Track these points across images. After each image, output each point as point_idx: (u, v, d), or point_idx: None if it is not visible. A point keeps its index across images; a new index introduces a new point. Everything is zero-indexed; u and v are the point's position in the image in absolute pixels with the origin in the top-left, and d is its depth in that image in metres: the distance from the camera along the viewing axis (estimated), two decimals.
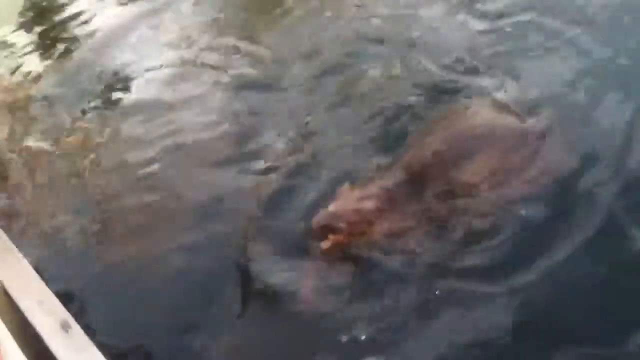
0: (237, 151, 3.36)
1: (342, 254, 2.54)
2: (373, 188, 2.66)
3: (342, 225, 2.52)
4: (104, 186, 3.37)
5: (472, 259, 2.40)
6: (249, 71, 4.06)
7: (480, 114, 2.92)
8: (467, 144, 2.68)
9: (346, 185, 2.71)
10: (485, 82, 3.25)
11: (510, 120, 2.84)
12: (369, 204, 2.58)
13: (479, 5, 3.93)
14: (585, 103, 2.94)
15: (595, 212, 2.45)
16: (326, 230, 2.52)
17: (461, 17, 3.91)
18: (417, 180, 2.63)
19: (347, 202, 2.62)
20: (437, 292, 2.33)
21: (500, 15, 3.77)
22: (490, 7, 3.88)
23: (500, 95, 3.07)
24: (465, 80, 3.32)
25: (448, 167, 2.63)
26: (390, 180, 2.67)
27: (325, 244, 2.51)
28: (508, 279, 2.30)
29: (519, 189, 2.59)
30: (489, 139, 2.70)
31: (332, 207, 2.60)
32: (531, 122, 2.82)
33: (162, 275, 2.61)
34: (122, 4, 5.46)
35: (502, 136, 2.74)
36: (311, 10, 4.50)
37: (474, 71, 3.38)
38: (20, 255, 2.07)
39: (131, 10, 5.32)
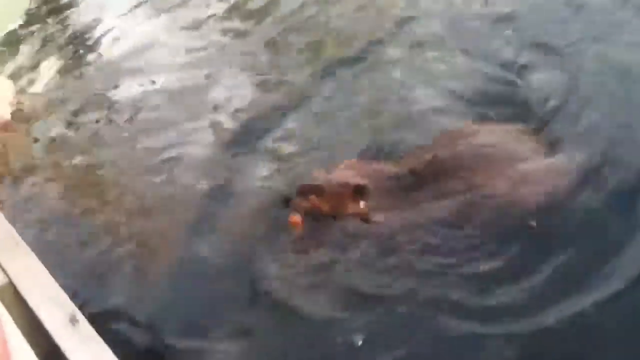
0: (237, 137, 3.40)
1: (316, 222, 2.56)
2: (374, 172, 2.65)
3: (328, 192, 2.54)
4: (106, 182, 3.39)
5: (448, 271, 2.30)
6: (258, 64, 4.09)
7: (497, 135, 2.74)
8: (475, 161, 2.57)
9: (352, 161, 2.72)
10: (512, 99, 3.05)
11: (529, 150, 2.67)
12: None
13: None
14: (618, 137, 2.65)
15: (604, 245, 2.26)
16: (312, 191, 2.55)
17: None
18: (419, 182, 2.57)
19: (344, 174, 2.62)
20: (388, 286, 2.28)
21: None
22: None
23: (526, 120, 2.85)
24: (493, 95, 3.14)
25: (452, 177, 2.54)
26: (394, 171, 2.64)
27: (304, 203, 2.54)
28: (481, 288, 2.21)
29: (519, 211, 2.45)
30: (499, 160, 2.57)
31: (329, 174, 2.63)
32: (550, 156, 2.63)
33: (168, 268, 2.60)
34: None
35: (510, 159, 2.58)
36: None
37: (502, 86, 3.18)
38: (28, 249, 2.07)
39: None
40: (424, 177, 2.56)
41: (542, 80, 3.11)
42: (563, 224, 2.35)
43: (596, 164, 2.52)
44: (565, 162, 2.56)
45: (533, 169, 2.53)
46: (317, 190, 2.57)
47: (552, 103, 2.92)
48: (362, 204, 2.57)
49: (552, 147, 2.64)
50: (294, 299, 2.33)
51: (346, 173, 2.64)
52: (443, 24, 3.82)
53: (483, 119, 2.92)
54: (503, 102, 3.03)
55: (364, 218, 2.57)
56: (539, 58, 3.27)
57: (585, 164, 2.52)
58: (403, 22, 3.96)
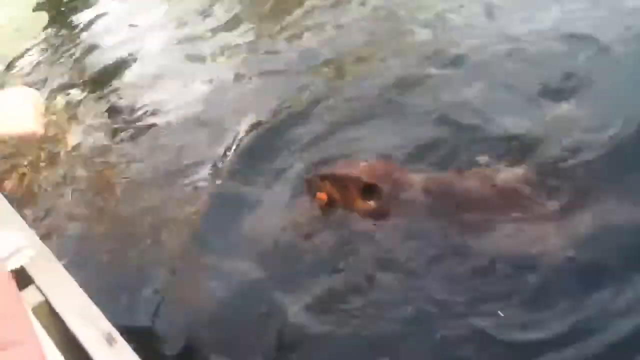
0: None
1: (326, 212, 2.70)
2: (394, 177, 2.67)
3: (342, 182, 2.64)
4: (134, 196, 3.42)
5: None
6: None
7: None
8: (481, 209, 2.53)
9: (379, 161, 2.80)
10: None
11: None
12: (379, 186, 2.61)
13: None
14: None
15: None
16: (329, 178, 2.68)
17: None
18: (428, 204, 2.58)
19: (364, 170, 2.67)
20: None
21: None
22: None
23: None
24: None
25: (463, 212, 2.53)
26: (412, 185, 2.65)
27: (322, 186, 2.69)
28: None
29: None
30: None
31: (350, 166, 2.74)
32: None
33: (204, 287, 2.63)
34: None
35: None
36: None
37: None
38: (63, 269, 2.10)
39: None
40: (435, 202, 2.57)
41: (572, 118, 2.95)
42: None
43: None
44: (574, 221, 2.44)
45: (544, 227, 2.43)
46: (333, 177, 2.68)
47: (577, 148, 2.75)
48: (371, 203, 2.62)
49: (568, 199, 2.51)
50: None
51: (366, 170, 2.69)
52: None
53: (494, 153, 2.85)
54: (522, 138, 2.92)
55: (370, 217, 2.64)
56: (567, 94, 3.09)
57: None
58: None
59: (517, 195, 2.55)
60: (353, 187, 2.63)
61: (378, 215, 2.63)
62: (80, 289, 2.03)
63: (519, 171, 2.69)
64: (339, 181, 2.66)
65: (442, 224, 2.52)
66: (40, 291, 2.04)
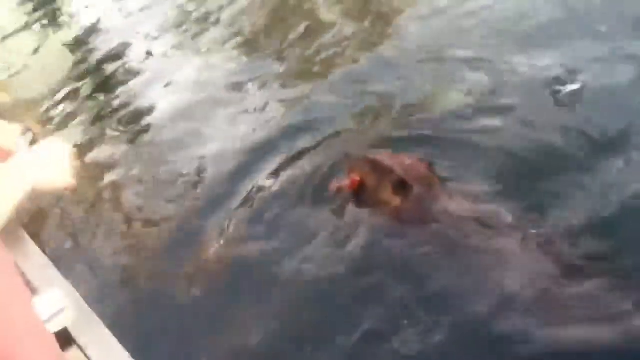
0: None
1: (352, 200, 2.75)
2: (431, 184, 2.64)
3: (377, 170, 2.65)
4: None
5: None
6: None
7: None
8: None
9: (425, 162, 2.74)
10: None
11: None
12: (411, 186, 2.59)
13: None
14: None
15: None
16: (370, 163, 2.68)
17: None
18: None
19: (403, 166, 2.65)
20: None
21: None
22: None
23: None
24: None
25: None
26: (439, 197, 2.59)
27: (350, 174, 2.72)
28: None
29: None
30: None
31: (392, 159, 2.71)
32: None
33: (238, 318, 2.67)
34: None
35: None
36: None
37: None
38: (106, 329, 2.06)
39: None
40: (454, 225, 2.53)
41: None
42: None
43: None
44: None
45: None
46: (373, 162, 2.69)
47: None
48: (397, 199, 2.61)
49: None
50: None
51: (405, 166, 2.67)
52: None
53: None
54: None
55: (390, 213, 2.62)
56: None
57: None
58: None
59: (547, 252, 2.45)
60: (387, 178, 2.62)
61: (399, 214, 2.60)
62: (124, 349, 1.98)
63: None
64: (377, 168, 2.67)
65: (452, 248, 2.48)
66: (84, 352, 2.00)
